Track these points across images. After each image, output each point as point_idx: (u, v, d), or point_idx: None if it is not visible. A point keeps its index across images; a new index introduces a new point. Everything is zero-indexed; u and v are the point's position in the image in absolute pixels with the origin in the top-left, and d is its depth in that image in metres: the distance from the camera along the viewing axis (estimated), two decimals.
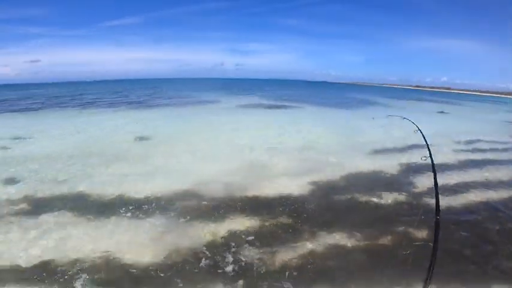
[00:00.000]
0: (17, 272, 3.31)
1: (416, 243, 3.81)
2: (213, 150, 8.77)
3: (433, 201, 2.60)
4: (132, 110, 18.78)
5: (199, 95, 30.61)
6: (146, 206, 4.91)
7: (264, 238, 4.01)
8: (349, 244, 3.92)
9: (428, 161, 3.03)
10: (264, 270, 3.38)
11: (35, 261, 3.47)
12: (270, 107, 21.33)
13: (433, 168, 2.70)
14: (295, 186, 5.73)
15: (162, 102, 24.17)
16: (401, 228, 4.27)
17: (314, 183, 5.97)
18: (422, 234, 4.03)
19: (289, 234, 4.14)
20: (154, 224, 4.38)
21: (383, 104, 28.25)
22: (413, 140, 7.85)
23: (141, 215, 4.65)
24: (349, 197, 5.43)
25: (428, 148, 3.50)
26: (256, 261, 3.53)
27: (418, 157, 5.61)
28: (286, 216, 4.66)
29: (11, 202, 5.02)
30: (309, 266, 3.47)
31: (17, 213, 4.64)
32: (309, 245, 3.87)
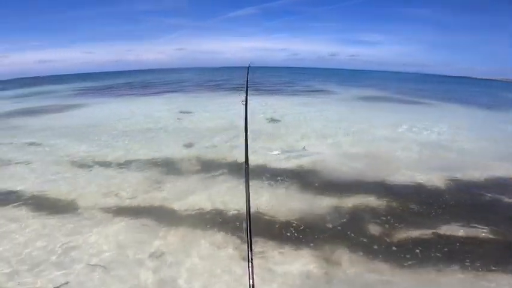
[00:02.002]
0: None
1: None
2: (338, 136, 9.53)
3: None
4: (259, 94, 21.38)
5: (313, 85, 31.27)
6: (282, 177, 5.97)
7: (390, 218, 4.49)
8: (484, 236, 4.06)
9: None
10: (385, 244, 3.84)
11: (196, 205, 4.90)
12: (398, 101, 19.69)
13: None
14: (428, 180, 5.95)
15: (278, 88, 26.28)
16: None
17: (452, 179, 6.01)
18: None
19: (418, 218, 4.51)
20: (290, 192, 5.40)
21: None
22: None
23: (278, 182, 5.73)
24: (492, 197, 5.29)
25: None
26: (378, 234, 4.05)
27: None
28: (417, 203, 4.99)
29: (188, 160, 7.18)
30: (437, 248, 3.77)
31: (193, 171, 6.51)
32: (439, 231, 4.13)
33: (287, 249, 3.76)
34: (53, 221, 4.49)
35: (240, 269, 3.32)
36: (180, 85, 32.39)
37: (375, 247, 3.80)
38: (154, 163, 7.00)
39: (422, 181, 5.91)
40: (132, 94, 24.35)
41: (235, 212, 4.66)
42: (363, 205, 4.87)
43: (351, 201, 4.98)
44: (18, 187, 5.74)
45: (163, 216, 4.63)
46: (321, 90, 25.19)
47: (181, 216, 4.62)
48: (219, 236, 4.07)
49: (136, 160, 7.18)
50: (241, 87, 26.11)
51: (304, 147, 7.83)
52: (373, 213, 4.64)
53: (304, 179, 5.99)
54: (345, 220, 4.45)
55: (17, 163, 7.18)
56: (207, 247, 3.82)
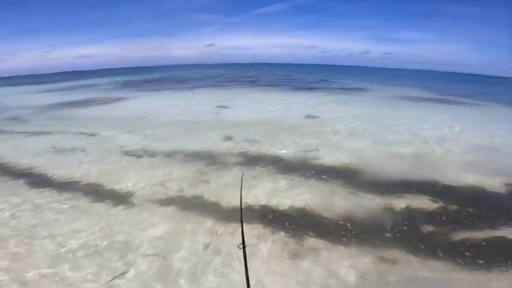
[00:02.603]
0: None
1: None
2: (384, 134, 9.10)
3: None
4: (296, 90, 21.06)
5: (348, 83, 30.25)
6: (326, 173, 5.90)
7: (444, 218, 4.27)
8: None
9: None
10: (440, 244, 3.67)
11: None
12: (441, 101, 18.40)
13: None
14: (482, 182, 5.54)
15: (312, 85, 25.71)
16: None
17: (508, 183, 5.53)
18: None
19: (474, 220, 4.27)
20: (335, 189, 5.26)
21: None
22: None
23: (322, 179, 5.66)
24: None
25: None
26: (432, 234, 3.89)
27: None
28: (471, 205, 4.70)
29: (230, 153, 7.20)
30: (493, 250, 3.57)
31: (235, 163, 6.55)
32: (495, 234, 3.90)
33: (338, 247, 3.64)
34: (106, 209, 4.60)
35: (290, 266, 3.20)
36: (213, 80, 32.94)
37: (430, 247, 3.63)
38: (197, 155, 7.07)
39: (475, 183, 5.49)
40: (168, 88, 25.12)
41: (280, 206, 4.60)
42: (414, 205, 4.65)
43: (401, 201, 4.76)
44: (76, 173, 6.01)
45: (210, 207, 4.62)
46: (358, 89, 24.26)
47: (228, 209, 4.55)
48: (267, 230, 3.98)
49: (181, 151, 7.29)
50: (274, 84, 26.38)
51: (317, 148, 7.42)
52: (426, 214, 4.42)
53: (350, 177, 5.77)
54: (396, 220, 4.26)
55: (73, 150, 7.57)
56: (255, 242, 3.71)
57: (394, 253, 3.50)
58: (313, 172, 5.94)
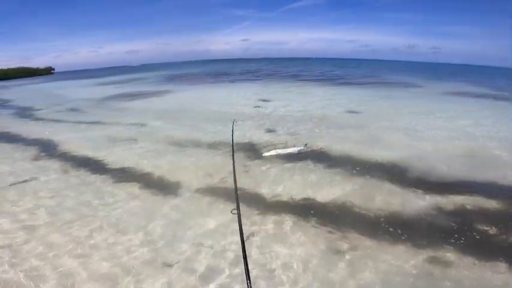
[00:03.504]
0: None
1: None
2: (433, 130, 8.52)
3: None
4: (334, 85, 20.24)
5: (395, 78, 28.25)
6: (372, 169, 5.63)
7: (502, 218, 3.95)
8: None
9: None
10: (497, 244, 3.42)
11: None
12: (492, 97, 16.40)
13: None
14: None
15: (356, 81, 24.45)
16: None
17: None
18: None
19: None
20: (380, 184, 5.00)
21: None
22: None
23: (368, 174, 5.39)
24: None
25: None
26: (488, 234, 3.59)
27: None
28: None
29: (270, 143, 7.17)
30: None
31: (278, 155, 6.52)
32: None
33: (383, 244, 3.45)
34: (156, 196, 4.78)
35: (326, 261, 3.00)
36: (252, 75, 32.99)
37: (484, 248, 3.37)
38: (241, 146, 7.08)
39: None
40: (209, 82, 25.75)
41: (324, 201, 4.45)
42: (468, 204, 4.30)
43: (454, 200, 4.43)
44: (128, 161, 6.36)
45: (253, 198, 4.58)
46: (406, 83, 22.64)
47: (271, 203, 4.46)
48: (309, 224, 3.85)
49: (224, 143, 7.36)
50: (318, 79, 25.60)
51: (306, 144, 6.81)
52: (481, 213, 4.09)
53: (397, 173, 5.49)
54: (448, 218, 3.96)
55: (127, 140, 8.02)
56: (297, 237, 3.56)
57: (445, 253, 3.27)
58: (358, 168, 5.69)
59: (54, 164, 6.40)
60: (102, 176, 5.63)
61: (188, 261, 3.19)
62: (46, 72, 76.41)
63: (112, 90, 22.15)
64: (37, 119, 11.70)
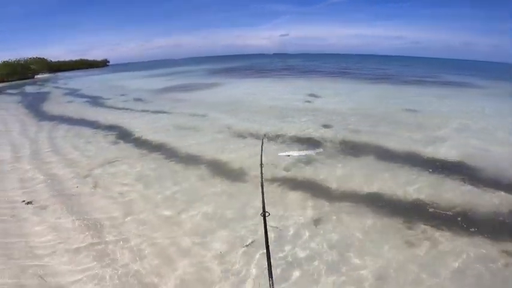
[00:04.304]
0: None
1: None
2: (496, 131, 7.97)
3: None
4: (386, 84, 19.37)
5: (449, 76, 26.15)
6: (441, 167, 5.47)
7: None
8: None
9: None
10: None
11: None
12: None
13: None
14: None
15: (410, 79, 23.06)
16: None
17: None
18: None
19: None
20: (451, 181, 4.80)
21: None
22: None
23: (436, 171, 5.27)
24: None
25: None
26: None
27: None
28: None
29: (330, 141, 7.14)
30: None
31: (338, 149, 6.65)
32: None
33: (456, 238, 3.48)
34: (221, 183, 5.10)
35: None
36: (295, 70, 32.74)
37: None
38: (297, 140, 7.30)
39: None
40: (253, 76, 26.19)
41: (390, 194, 4.40)
42: None
43: None
44: (197, 149, 6.86)
45: (318, 189, 4.73)
46: (465, 83, 20.78)
47: (337, 195, 4.56)
48: (384, 221, 3.83)
49: (281, 135, 7.64)
50: (368, 76, 24.61)
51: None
52: None
53: (467, 171, 5.35)
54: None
55: (191, 128, 8.61)
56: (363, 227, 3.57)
57: None
58: (424, 165, 5.60)
59: (132, 148, 7.16)
60: (175, 160, 6.20)
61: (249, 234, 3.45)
62: (102, 64, 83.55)
63: (164, 82, 23.61)
64: (108, 107, 13.02)
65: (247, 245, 3.35)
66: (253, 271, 2.97)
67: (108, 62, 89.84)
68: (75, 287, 2.84)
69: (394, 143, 6.81)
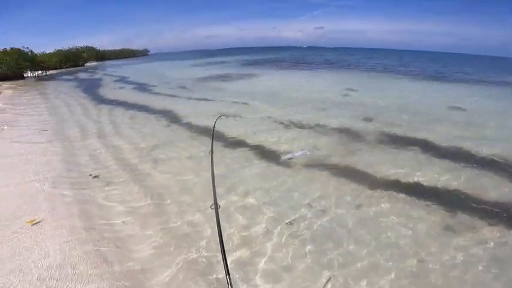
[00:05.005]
0: None
1: None
2: None
3: None
4: (430, 81, 18.45)
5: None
6: (486, 163, 5.35)
7: None
8: None
9: None
10: None
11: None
12: None
13: None
14: None
15: (459, 77, 21.56)
16: None
17: None
18: None
19: None
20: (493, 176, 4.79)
21: None
22: None
23: (480, 167, 5.21)
24: None
25: None
26: None
27: None
28: None
29: (368, 132, 7.24)
30: None
31: (379, 141, 6.73)
32: None
33: (496, 227, 3.59)
34: (267, 166, 5.47)
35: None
36: (333, 65, 32.07)
37: None
38: (338, 130, 7.50)
39: None
40: (289, 68, 26.23)
41: (429, 184, 4.39)
42: None
43: None
44: (243, 135, 7.31)
45: (359, 178, 4.92)
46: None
47: (379, 183, 4.73)
48: (420, 212, 3.91)
49: (323, 126, 7.87)
50: (407, 74, 23.47)
51: (290, 157, 5.76)
52: None
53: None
54: None
55: (234, 115, 9.10)
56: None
57: None
58: (466, 161, 5.60)
59: (183, 131, 7.80)
60: (224, 143, 6.71)
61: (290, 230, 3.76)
62: (143, 53, 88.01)
63: (203, 71, 24.53)
64: (156, 93, 14.05)
65: (291, 223, 3.70)
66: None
67: (148, 51, 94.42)
68: (142, 248, 3.28)
69: (437, 138, 6.78)
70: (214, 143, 6.75)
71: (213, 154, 3.67)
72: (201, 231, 3.49)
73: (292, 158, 5.74)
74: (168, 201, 4.23)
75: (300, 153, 5.90)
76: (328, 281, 2.73)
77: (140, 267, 2.94)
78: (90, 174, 5.13)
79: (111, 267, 2.92)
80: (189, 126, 8.19)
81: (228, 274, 1.57)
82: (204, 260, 3.01)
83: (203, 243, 3.28)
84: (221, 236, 1.86)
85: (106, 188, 4.65)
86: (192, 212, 3.94)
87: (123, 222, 3.72)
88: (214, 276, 2.79)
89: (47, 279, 2.75)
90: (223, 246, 1.78)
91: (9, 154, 6.26)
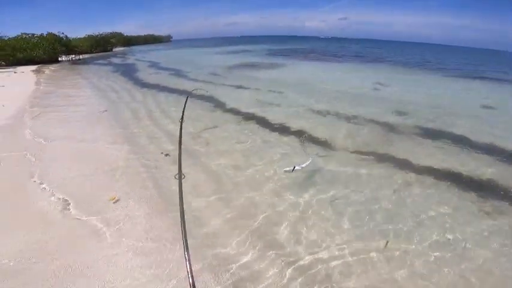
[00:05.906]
0: None
1: None
2: None
3: None
4: (457, 77, 18.12)
5: None
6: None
7: None
8: None
9: None
10: None
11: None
12: None
13: None
14: None
15: (495, 75, 20.95)
16: None
17: None
18: None
19: None
20: None
21: None
22: None
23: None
24: None
25: None
26: None
27: None
28: None
29: (404, 126, 7.59)
30: None
31: (413, 133, 7.13)
32: None
33: None
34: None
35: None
36: (361, 58, 31.66)
37: None
38: (374, 121, 7.92)
39: None
40: (315, 59, 26.35)
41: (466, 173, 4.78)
42: None
43: None
44: (282, 120, 7.87)
45: (396, 165, 5.40)
46: None
47: (417, 168, 5.25)
48: (455, 201, 4.31)
49: (357, 116, 8.34)
50: (448, 71, 22.91)
51: (292, 170, 4.79)
52: None
53: None
54: None
55: (270, 103, 9.69)
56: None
57: None
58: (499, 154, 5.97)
59: (228, 116, 8.44)
60: (270, 128, 7.32)
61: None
62: (167, 39, 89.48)
63: (231, 59, 25.18)
64: (192, 79, 14.83)
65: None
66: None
67: (171, 37, 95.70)
68: (206, 213, 3.94)
69: (469, 133, 7.13)
70: (255, 125, 7.47)
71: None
72: None
73: (292, 170, 4.75)
74: (228, 178, 4.92)
75: (304, 165, 4.94)
76: (386, 244, 3.33)
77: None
78: (162, 152, 5.88)
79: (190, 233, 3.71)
80: (233, 112, 8.81)
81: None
82: None
83: None
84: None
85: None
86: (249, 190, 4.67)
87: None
88: None
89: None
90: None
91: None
